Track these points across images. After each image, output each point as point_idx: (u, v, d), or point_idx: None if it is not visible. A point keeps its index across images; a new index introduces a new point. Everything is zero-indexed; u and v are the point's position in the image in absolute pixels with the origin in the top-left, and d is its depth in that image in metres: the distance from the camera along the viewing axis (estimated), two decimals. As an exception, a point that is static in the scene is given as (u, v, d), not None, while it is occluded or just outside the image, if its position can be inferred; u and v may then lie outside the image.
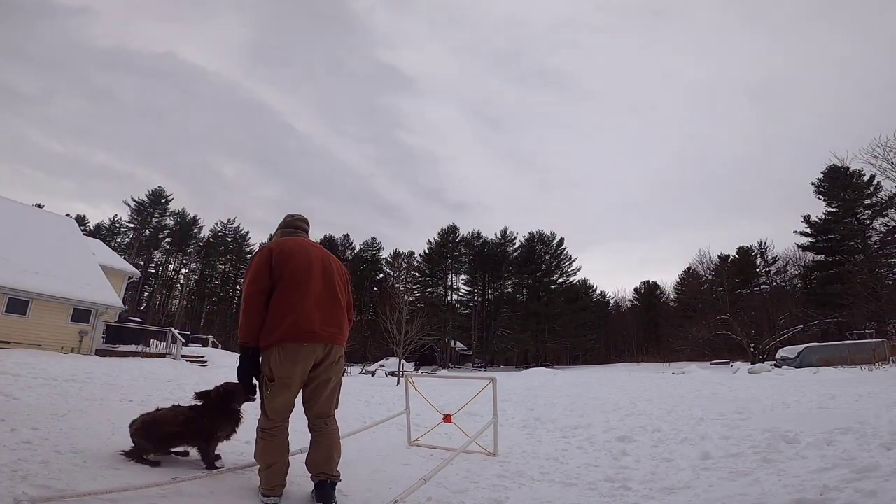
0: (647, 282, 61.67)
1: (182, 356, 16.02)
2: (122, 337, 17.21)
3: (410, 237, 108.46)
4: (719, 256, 49.24)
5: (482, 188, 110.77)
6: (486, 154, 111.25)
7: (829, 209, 40.63)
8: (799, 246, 43.96)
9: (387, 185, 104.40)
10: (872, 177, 35.37)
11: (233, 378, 2.72)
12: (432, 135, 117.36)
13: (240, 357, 2.39)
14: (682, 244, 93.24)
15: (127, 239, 55.20)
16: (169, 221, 57.88)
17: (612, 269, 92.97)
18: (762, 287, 46.66)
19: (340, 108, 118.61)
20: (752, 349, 32.27)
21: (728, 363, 29.68)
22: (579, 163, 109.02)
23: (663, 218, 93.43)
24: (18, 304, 13.24)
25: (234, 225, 61.58)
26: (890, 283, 31.17)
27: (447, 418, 4.45)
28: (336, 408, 2.55)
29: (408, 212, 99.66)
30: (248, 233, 62.42)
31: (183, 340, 16.92)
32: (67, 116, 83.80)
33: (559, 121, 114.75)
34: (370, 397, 9.39)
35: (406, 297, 39.08)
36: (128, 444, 2.77)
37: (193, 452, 2.89)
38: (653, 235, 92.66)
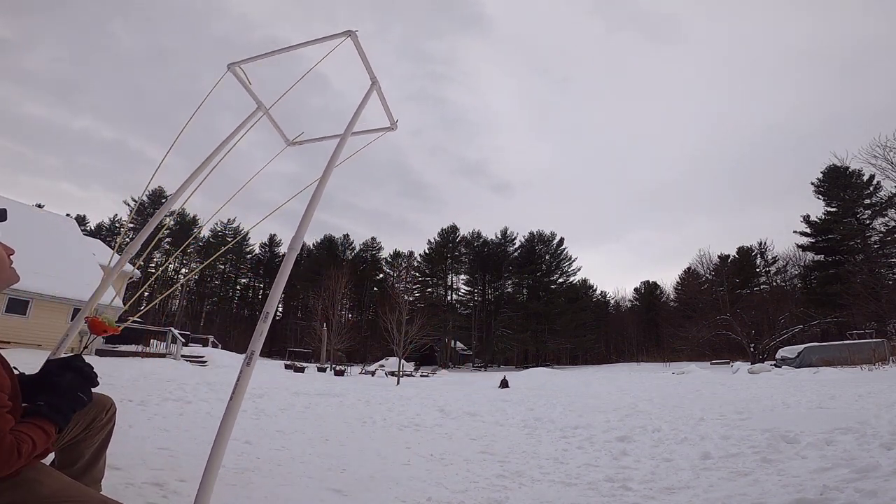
0: (647, 282, 61.78)
1: (182, 356, 16.03)
2: (121, 337, 17.20)
3: (440, 222, 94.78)
4: (719, 256, 49.26)
5: (528, 164, 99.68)
6: (541, 123, 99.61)
7: (829, 209, 40.64)
8: (799, 246, 43.99)
9: (423, 157, 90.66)
10: (872, 176, 35.40)
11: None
12: (488, 93, 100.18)
13: None
14: (710, 230, 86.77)
15: (127, 239, 55.24)
16: (169, 221, 57.84)
17: (637, 259, 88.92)
18: (762, 287, 46.63)
19: (386, 51, 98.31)
20: (752, 349, 32.26)
21: (728, 363, 29.66)
22: (637, 131, 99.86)
23: (698, 201, 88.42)
24: (18, 304, 13.25)
25: (234, 225, 61.64)
26: (890, 283, 31.14)
27: None
28: None
29: (441, 191, 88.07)
30: (248, 233, 62.44)
31: (183, 340, 16.93)
32: (49, 66, 69.65)
33: (627, 80, 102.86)
34: (370, 397, 9.39)
35: (406, 297, 39.16)
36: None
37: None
38: (686, 221, 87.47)
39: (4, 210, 1.32)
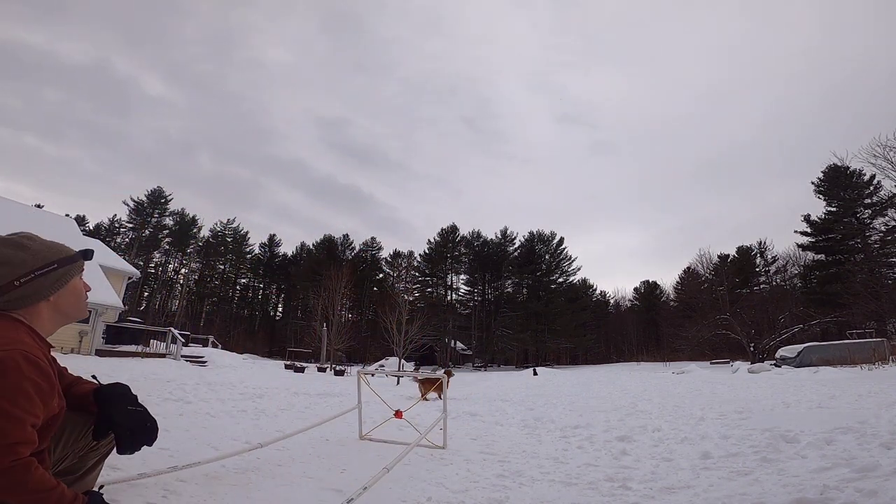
0: (647, 281, 61.87)
1: (182, 356, 16.02)
2: (122, 337, 17.19)
3: (517, 189, 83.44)
4: (719, 256, 49.29)
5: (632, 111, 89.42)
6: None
7: (829, 209, 40.66)
8: (799, 245, 44.02)
9: (524, 93, 74.67)
10: (872, 176, 35.43)
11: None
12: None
13: None
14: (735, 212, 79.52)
15: (126, 239, 55.20)
16: (168, 221, 57.89)
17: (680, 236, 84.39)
18: (762, 286, 46.66)
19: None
20: (752, 349, 32.26)
21: (728, 363, 29.65)
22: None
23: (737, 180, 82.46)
24: (18, 305, 13.23)
25: (234, 225, 61.67)
26: (890, 282, 31.14)
27: (398, 414, 4.69)
28: None
29: (537, 148, 78.27)
30: (247, 233, 62.47)
31: (183, 340, 16.93)
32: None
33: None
34: (370, 397, 9.37)
35: (406, 297, 39.12)
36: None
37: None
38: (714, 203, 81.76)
39: (91, 250, 1.45)
